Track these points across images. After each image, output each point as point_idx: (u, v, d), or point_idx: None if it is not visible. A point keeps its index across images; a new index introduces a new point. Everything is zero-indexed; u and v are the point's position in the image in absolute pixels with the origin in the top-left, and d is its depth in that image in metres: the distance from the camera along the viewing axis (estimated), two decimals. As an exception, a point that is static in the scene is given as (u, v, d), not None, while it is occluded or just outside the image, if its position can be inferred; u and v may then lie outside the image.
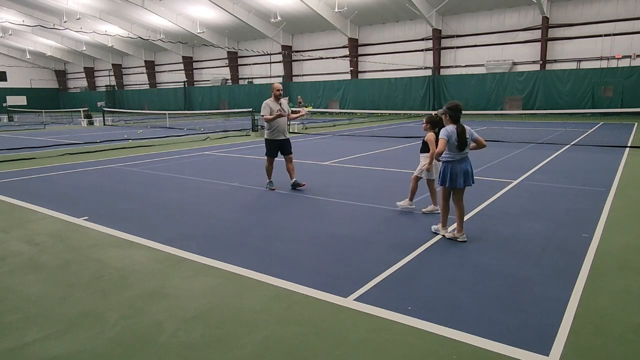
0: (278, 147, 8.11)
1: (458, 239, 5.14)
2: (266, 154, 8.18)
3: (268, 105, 7.91)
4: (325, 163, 11.08)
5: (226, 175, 9.62)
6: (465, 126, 5.16)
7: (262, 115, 7.98)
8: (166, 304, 3.73)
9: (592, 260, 4.53)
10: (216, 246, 5.13)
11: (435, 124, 6.06)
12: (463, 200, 5.28)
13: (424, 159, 6.33)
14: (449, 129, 5.08)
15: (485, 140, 5.51)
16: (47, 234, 5.66)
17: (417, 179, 6.45)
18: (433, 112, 6.40)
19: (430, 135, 6.05)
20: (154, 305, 3.71)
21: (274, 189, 8.07)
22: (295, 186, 8.08)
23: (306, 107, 22.12)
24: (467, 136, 5.12)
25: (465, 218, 6.03)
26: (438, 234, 5.39)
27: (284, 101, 8.16)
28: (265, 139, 8.16)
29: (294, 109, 8.35)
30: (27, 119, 38.48)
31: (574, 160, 11.12)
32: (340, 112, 36.80)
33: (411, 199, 6.53)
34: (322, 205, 7.06)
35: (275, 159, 8.21)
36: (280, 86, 8.08)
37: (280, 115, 7.87)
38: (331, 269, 4.43)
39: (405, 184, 8.52)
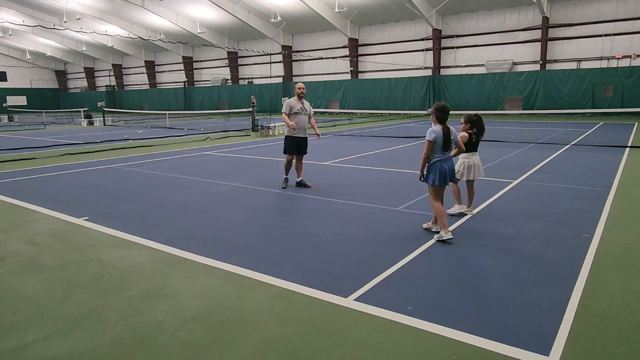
0: (297, 144, 8.15)
1: (432, 229, 5.40)
2: (284, 151, 8.28)
3: (288, 104, 8.09)
4: (325, 163, 11.08)
5: (226, 176, 9.62)
6: (451, 127, 5.28)
7: (282, 113, 8.18)
8: (166, 304, 3.73)
9: (592, 260, 4.53)
10: (216, 246, 5.13)
11: (473, 124, 6.17)
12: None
13: (460, 160, 6.24)
14: (435, 129, 5.17)
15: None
16: (47, 234, 5.66)
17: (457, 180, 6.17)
18: (472, 113, 6.40)
19: (463, 135, 6.08)
20: (154, 305, 3.71)
21: (285, 187, 8.16)
22: (301, 185, 8.20)
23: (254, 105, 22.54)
24: (452, 137, 5.27)
25: (466, 218, 6.07)
26: (442, 240, 5.12)
27: (307, 102, 8.26)
28: (285, 136, 8.25)
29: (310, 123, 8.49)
30: (27, 119, 38.50)
31: (574, 160, 11.11)
32: (341, 112, 36.80)
33: (459, 202, 6.30)
34: (322, 205, 7.06)
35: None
36: (303, 85, 8.15)
37: (293, 126, 7.94)
38: (331, 269, 4.43)
39: (405, 183, 8.53)
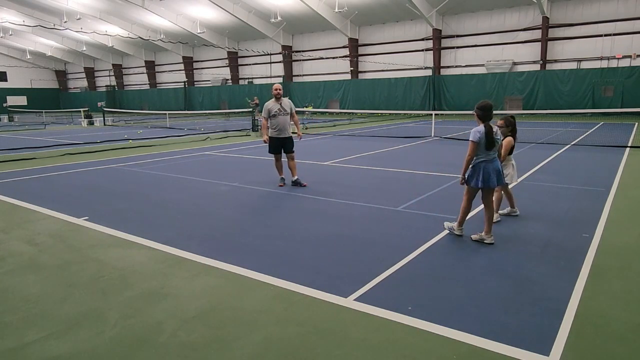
0: (280, 144, 8.35)
1: (485, 241, 5.06)
2: (269, 151, 8.52)
3: (266, 107, 8.23)
4: (325, 163, 11.08)
5: (226, 175, 9.62)
6: (494, 127, 5.08)
7: (262, 118, 8.35)
8: (166, 304, 3.73)
9: (592, 260, 4.53)
10: (216, 246, 5.13)
11: (511, 125, 5.90)
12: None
13: (510, 162, 6.05)
14: (480, 129, 4.96)
15: None
16: (47, 234, 5.66)
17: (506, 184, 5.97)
18: (508, 114, 6.14)
19: (509, 140, 5.83)
20: (154, 305, 3.71)
21: (282, 185, 8.35)
22: (296, 184, 8.29)
23: (252, 103, 23.02)
24: (497, 137, 5.05)
25: (467, 217, 6.03)
26: (452, 232, 5.34)
27: (286, 100, 8.33)
28: (269, 137, 8.39)
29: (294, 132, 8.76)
30: (27, 119, 38.49)
31: (574, 160, 11.11)
32: (341, 112, 36.80)
33: (497, 210, 6.00)
34: (322, 205, 7.05)
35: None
36: (279, 86, 8.29)
37: (265, 140, 8.29)
38: (331, 269, 4.43)
39: (405, 183, 8.53)
